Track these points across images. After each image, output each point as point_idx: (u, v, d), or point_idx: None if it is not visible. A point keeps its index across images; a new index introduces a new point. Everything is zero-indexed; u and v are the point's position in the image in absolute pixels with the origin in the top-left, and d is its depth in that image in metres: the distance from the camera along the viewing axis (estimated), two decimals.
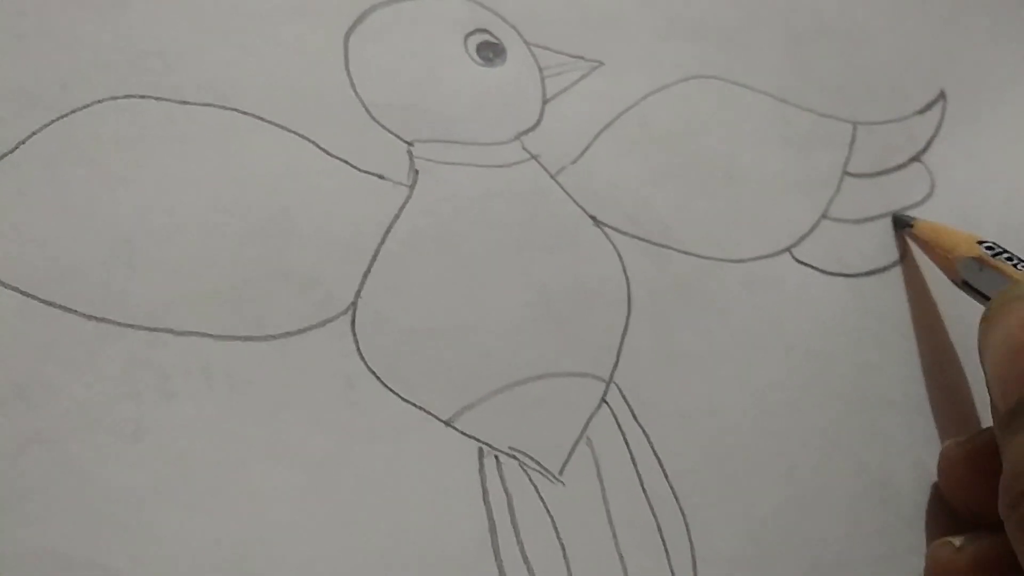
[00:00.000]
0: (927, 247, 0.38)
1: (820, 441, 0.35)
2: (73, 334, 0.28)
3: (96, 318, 0.28)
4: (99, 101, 0.30)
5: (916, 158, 0.42)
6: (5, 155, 0.29)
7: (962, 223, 0.39)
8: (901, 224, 0.40)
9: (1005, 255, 0.34)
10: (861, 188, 0.41)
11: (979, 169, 0.42)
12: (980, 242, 0.36)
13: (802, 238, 0.39)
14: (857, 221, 0.40)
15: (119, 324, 0.28)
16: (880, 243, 0.40)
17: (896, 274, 0.39)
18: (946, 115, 0.43)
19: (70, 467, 0.26)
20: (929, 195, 0.41)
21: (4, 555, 0.25)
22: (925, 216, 0.41)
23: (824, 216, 0.39)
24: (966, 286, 0.35)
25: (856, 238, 0.39)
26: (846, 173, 0.41)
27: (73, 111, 0.30)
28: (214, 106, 0.31)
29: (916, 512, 0.35)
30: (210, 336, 0.29)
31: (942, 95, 0.43)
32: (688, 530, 0.32)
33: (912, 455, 0.36)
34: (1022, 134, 0.43)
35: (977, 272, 0.34)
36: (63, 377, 0.27)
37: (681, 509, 0.32)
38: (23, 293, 0.28)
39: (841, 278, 0.38)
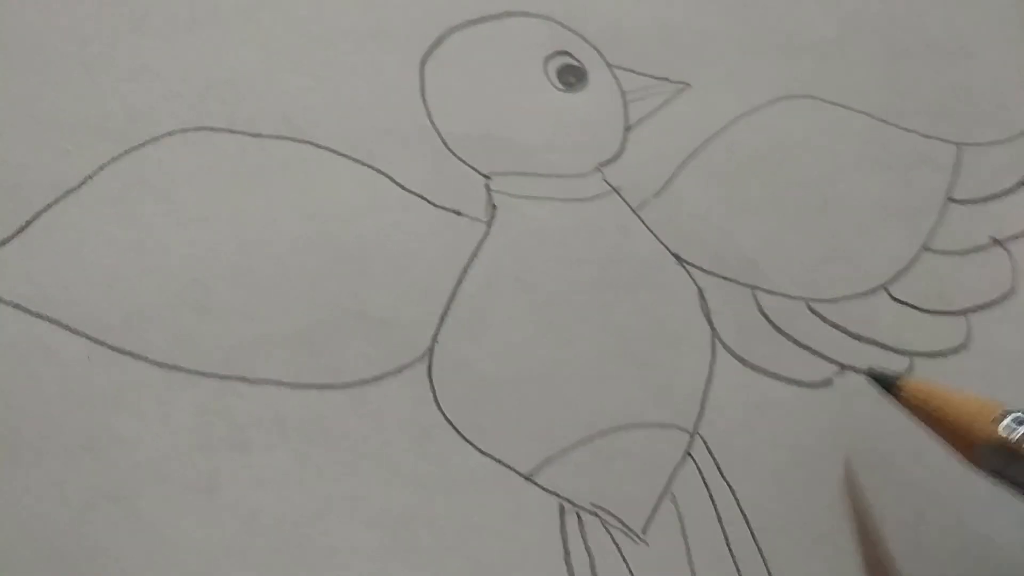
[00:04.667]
0: (930, 420, 0.27)
1: (916, 496, 0.33)
2: (143, 382, 0.27)
3: (167, 365, 0.27)
4: (169, 133, 0.29)
5: None
6: (71, 190, 0.28)
7: None
8: (884, 383, 0.29)
9: None
10: (966, 215, 0.38)
11: None
12: (1003, 415, 0.25)
13: (900, 273, 0.36)
14: (962, 252, 0.37)
15: (190, 372, 0.27)
16: (988, 274, 0.37)
17: (1010, 308, 0.36)
18: None
19: (141, 524, 0.26)
20: None
21: None
22: None
23: (925, 248, 0.37)
24: (996, 475, 0.25)
25: (960, 271, 0.37)
26: (950, 199, 0.38)
27: (142, 144, 0.29)
28: (288, 139, 0.30)
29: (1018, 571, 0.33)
30: (285, 384, 0.28)
31: None
32: None
33: (1018, 513, 0.33)
34: None
35: (1007, 462, 0.24)
36: (133, 429, 0.26)
37: (768, 571, 0.30)
38: (91, 339, 0.27)
39: (944, 316, 0.36)
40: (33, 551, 0.25)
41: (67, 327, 0.27)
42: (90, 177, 0.28)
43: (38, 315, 0.27)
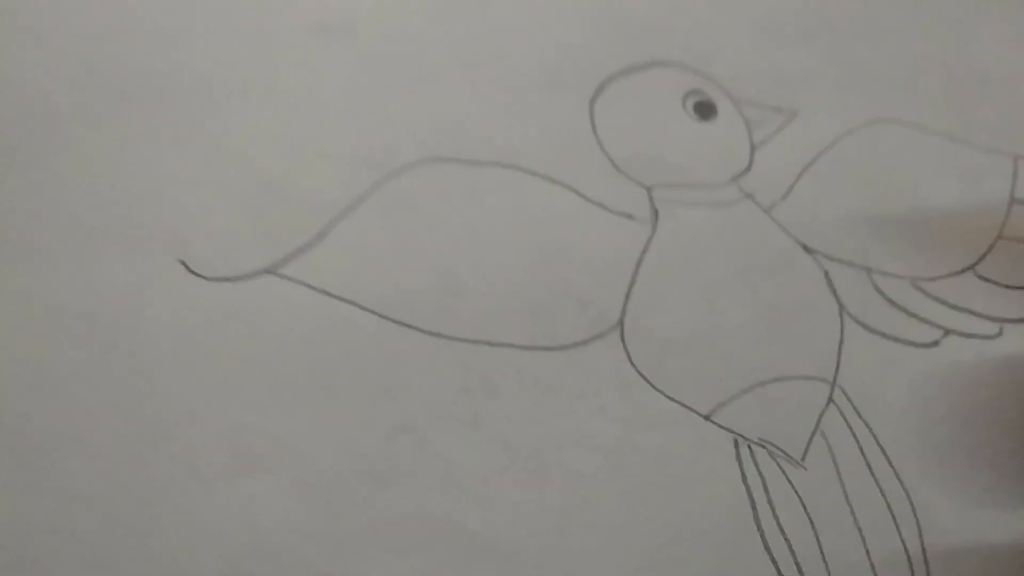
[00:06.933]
0: None
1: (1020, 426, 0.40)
2: (417, 345, 0.35)
3: (433, 333, 0.36)
4: (418, 162, 0.38)
5: None
6: (352, 207, 0.37)
7: None
8: None
9: None
10: None
11: None
12: None
13: (982, 258, 0.44)
14: None
15: (450, 338, 0.36)
16: None
17: None
18: None
19: (428, 451, 0.34)
20: None
21: (383, 518, 0.32)
22: None
23: (1000, 237, 0.45)
24: None
25: None
26: (1015, 200, 0.46)
27: (397, 171, 0.38)
28: (500, 164, 0.39)
29: None
30: (519, 347, 0.36)
31: None
32: (913, 507, 0.37)
33: None
34: None
35: None
36: (415, 379, 0.35)
37: (904, 488, 0.37)
38: (377, 314, 0.35)
39: (1021, 290, 0.43)
40: (348, 470, 0.33)
41: (360, 306, 0.35)
42: (364, 197, 0.37)
43: (339, 298, 0.35)
